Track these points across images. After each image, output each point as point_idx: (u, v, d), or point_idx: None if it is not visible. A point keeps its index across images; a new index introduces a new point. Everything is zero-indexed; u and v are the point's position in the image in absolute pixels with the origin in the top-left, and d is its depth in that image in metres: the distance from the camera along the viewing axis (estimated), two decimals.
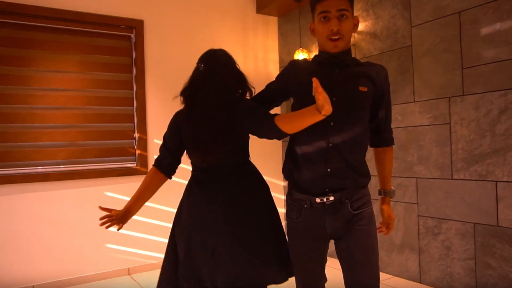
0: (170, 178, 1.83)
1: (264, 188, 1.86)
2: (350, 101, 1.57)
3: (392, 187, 1.85)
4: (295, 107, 1.64)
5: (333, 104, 1.42)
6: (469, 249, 2.84)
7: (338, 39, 1.54)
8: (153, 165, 1.80)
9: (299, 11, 4.22)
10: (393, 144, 1.82)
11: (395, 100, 3.26)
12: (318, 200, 1.57)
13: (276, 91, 1.77)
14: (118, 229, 1.71)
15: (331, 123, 1.55)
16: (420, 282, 3.15)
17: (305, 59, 1.82)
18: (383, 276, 3.33)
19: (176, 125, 1.77)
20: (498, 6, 2.63)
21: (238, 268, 1.65)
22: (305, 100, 1.51)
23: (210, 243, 1.67)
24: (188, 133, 1.71)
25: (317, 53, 1.69)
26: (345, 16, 1.53)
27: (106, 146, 3.58)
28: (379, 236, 2.98)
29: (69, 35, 3.47)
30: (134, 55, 3.71)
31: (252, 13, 4.38)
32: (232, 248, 1.66)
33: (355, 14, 3.54)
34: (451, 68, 2.91)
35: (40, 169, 3.31)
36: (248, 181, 1.78)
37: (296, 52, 4.02)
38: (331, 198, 1.58)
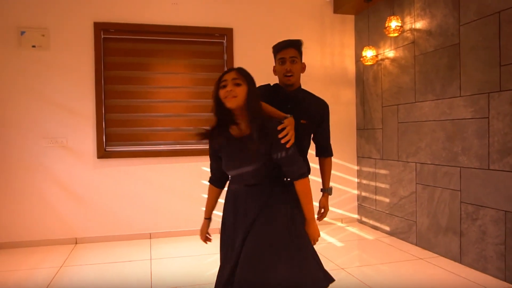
0: (223, 188, 2.13)
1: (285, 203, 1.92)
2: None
3: (330, 186, 2.37)
4: None
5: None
6: (500, 235, 3.06)
7: (290, 76, 2.14)
8: (209, 182, 2.13)
9: (368, 11, 4.59)
10: (332, 155, 2.36)
11: (444, 95, 3.53)
12: None
13: None
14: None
15: None
16: (460, 263, 3.43)
17: (268, 89, 2.29)
18: (429, 254, 3.67)
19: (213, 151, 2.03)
20: None
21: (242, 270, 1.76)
22: None
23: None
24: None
25: (279, 83, 2.23)
26: (295, 62, 2.15)
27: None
28: (430, 218, 3.56)
29: (177, 44, 4.49)
30: (225, 57, 4.58)
31: (329, 14, 4.87)
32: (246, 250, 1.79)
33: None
34: (490, 65, 3.09)
35: (155, 147, 4.43)
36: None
37: (364, 49, 4.43)
38: None
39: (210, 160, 2.06)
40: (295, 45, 2.19)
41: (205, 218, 2.16)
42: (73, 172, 4.20)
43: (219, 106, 1.82)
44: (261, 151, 1.80)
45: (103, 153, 4.25)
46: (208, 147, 2.02)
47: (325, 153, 2.37)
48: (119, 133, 4.35)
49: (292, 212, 1.85)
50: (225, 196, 2.02)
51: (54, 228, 4.16)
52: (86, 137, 4.22)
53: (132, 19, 4.32)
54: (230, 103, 1.76)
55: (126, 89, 4.37)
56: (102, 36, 4.27)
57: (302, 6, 4.81)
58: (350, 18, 4.95)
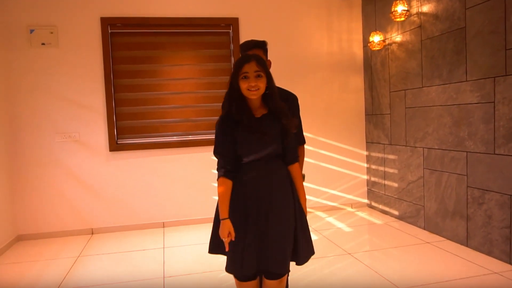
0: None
1: None
2: None
3: (303, 173, 2.34)
4: None
5: None
6: (506, 218, 3.07)
7: (255, 90, 1.88)
8: (222, 176, 1.90)
9: None
10: (304, 143, 2.38)
11: (451, 79, 3.51)
12: None
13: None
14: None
15: None
16: (467, 246, 3.46)
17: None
18: (437, 238, 3.71)
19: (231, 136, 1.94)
20: None
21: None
22: None
23: None
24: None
25: None
26: (260, 76, 1.85)
27: (212, 121, 4.61)
28: (437, 202, 3.54)
29: (183, 36, 4.53)
30: (232, 47, 4.61)
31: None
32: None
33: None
34: (496, 49, 3.06)
35: (165, 139, 4.52)
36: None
37: (372, 34, 4.40)
38: None
39: (223, 149, 1.89)
40: (260, 46, 2.24)
41: (225, 219, 1.86)
42: (87, 165, 4.32)
43: (235, 92, 1.89)
44: (278, 130, 1.91)
45: (115, 146, 4.36)
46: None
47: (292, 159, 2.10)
48: (129, 126, 4.45)
49: (294, 192, 2.01)
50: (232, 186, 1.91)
51: (71, 220, 4.32)
52: (98, 131, 4.33)
53: (138, 13, 4.36)
54: (254, 95, 1.86)
55: (135, 83, 4.45)
56: (109, 31, 4.33)
57: None
58: (357, 3, 4.90)
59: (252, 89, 1.84)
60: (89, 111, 4.30)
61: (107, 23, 4.30)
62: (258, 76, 1.85)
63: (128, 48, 4.42)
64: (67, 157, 4.27)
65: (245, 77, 1.84)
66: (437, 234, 3.81)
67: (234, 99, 1.90)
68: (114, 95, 4.38)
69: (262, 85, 1.86)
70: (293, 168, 2.02)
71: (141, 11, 4.37)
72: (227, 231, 1.83)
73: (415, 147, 4.07)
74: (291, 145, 1.97)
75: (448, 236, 3.68)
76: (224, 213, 1.86)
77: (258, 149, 1.90)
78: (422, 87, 3.90)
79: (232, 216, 1.88)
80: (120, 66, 4.40)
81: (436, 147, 3.76)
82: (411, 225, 4.18)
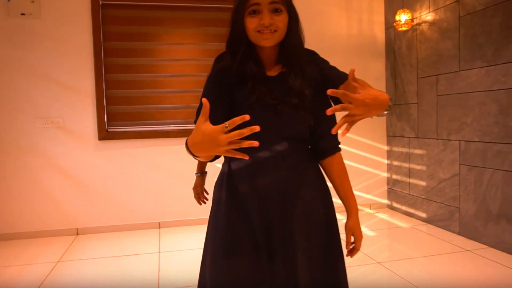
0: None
1: None
2: None
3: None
4: None
5: None
6: None
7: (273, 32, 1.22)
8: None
9: None
10: (339, 149, 1.67)
11: (497, 60, 3.00)
12: None
13: None
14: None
15: None
16: None
17: None
18: (477, 245, 3.20)
19: None
20: None
21: None
22: None
23: None
24: None
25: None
26: (279, 11, 1.20)
27: None
28: (477, 204, 2.99)
29: (185, 11, 3.99)
30: None
31: None
32: None
33: None
34: None
35: (163, 127, 3.99)
36: None
37: (398, 12, 3.89)
38: None
39: (209, 108, 1.01)
40: None
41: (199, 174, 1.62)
42: (72, 155, 3.77)
43: (240, 35, 1.22)
44: (305, 98, 1.23)
45: (105, 134, 3.81)
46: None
47: (332, 147, 1.34)
48: (122, 111, 3.90)
49: (329, 200, 1.36)
50: (222, 176, 1.32)
51: (53, 218, 3.77)
52: (86, 117, 3.78)
53: None
54: (269, 42, 1.19)
55: (128, 63, 3.90)
56: (101, 2, 3.79)
57: None
58: None
59: (266, 30, 1.17)
60: (76, 94, 3.75)
61: None
62: (276, 10, 1.17)
63: (122, 23, 3.88)
64: (49, 145, 3.72)
65: (254, 12, 1.17)
66: (476, 240, 3.30)
67: (238, 47, 1.22)
68: (105, 76, 3.83)
69: (281, 24, 1.18)
70: (333, 162, 1.31)
71: None
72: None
73: (449, 140, 3.55)
74: (329, 124, 1.26)
75: (491, 243, 3.17)
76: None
77: (272, 128, 1.21)
78: (459, 70, 3.39)
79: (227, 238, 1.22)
80: (112, 43, 3.86)
81: (476, 140, 3.25)
82: (443, 229, 3.67)
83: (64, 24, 3.71)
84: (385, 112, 1.12)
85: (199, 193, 1.93)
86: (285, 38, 1.23)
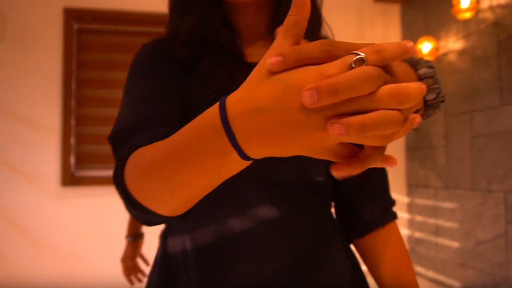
0: None
1: None
2: None
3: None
4: None
5: None
6: None
7: None
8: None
9: None
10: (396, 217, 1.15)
11: None
12: None
13: None
14: None
15: None
16: None
17: None
18: None
19: None
20: None
21: None
22: None
23: None
24: None
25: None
26: None
27: None
28: None
29: None
30: None
31: (368, 3, 3.85)
32: None
33: None
34: None
35: None
36: None
37: (420, 40, 3.37)
38: None
39: (143, 108, 0.70)
40: None
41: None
42: (28, 204, 3.12)
43: None
44: None
45: (70, 179, 3.17)
46: None
47: (381, 211, 0.85)
48: (94, 152, 3.30)
49: None
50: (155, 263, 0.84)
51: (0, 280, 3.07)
52: (48, 158, 3.17)
53: (114, 5, 3.36)
54: None
55: (105, 95, 3.34)
56: (75, 27, 3.29)
57: None
58: (395, 8, 3.92)
59: None
60: (37, 130, 3.17)
61: (72, 15, 3.27)
62: None
63: (99, 50, 3.37)
64: (1, 191, 3.09)
65: None
66: None
67: (191, 7, 0.70)
68: (76, 110, 3.27)
69: None
70: (382, 239, 0.77)
71: (118, 3, 3.37)
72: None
73: (490, 191, 2.89)
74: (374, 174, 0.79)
75: None
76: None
77: (254, 166, 0.52)
78: (502, 105, 2.79)
79: None
80: (86, 71, 3.32)
81: None
82: None
83: (31, 49, 3.20)
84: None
85: (129, 268, 1.23)
86: None
